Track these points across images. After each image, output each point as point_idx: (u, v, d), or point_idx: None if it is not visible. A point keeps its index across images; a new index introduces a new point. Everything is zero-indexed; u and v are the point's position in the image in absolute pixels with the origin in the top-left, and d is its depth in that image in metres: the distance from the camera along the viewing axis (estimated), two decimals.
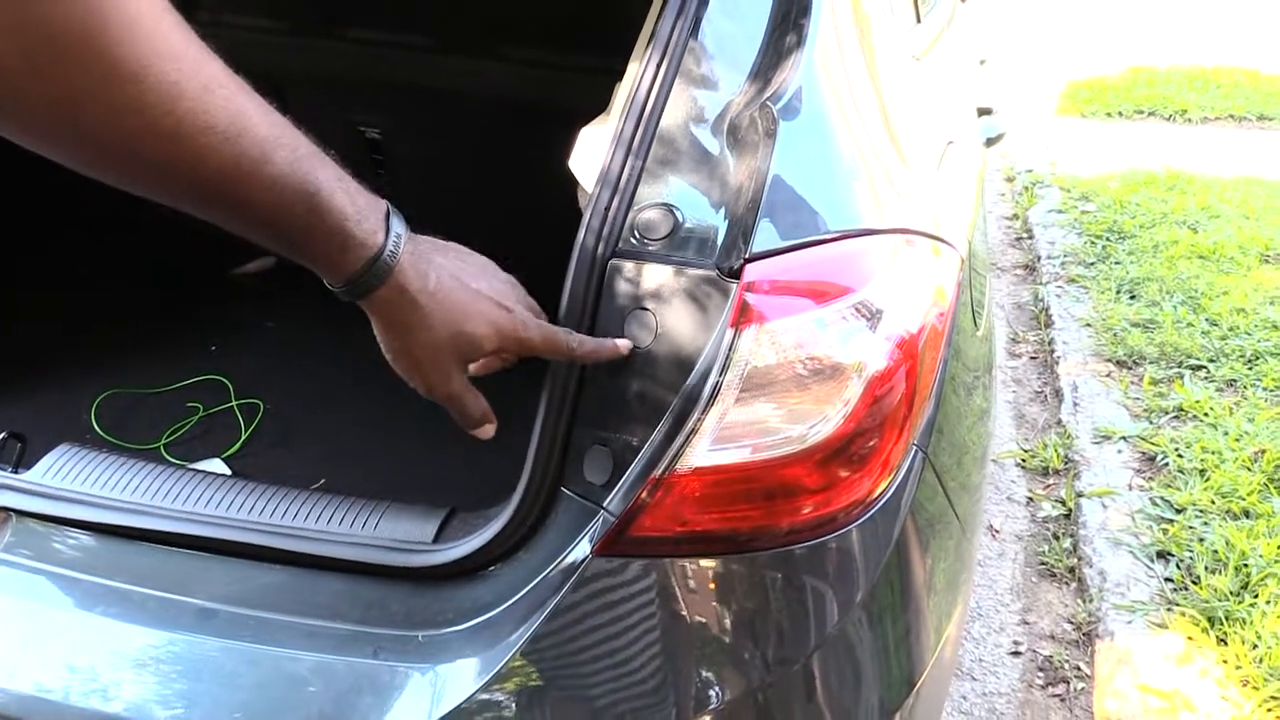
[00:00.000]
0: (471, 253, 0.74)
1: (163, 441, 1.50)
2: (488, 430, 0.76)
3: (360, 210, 0.62)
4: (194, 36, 0.53)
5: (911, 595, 0.89)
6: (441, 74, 1.77)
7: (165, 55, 0.51)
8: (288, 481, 1.00)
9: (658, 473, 0.76)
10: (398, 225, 0.65)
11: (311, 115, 2.03)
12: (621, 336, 0.78)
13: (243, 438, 1.52)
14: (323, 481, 1.35)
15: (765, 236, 0.77)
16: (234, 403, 1.61)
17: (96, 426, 1.51)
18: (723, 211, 0.80)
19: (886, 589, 0.85)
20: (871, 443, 0.79)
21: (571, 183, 0.96)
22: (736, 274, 0.76)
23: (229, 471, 1.43)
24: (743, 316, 0.75)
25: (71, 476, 0.98)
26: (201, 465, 1.42)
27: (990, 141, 1.97)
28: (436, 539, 0.88)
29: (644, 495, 0.76)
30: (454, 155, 1.82)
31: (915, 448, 0.85)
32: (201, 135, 0.53)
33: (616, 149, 0.82)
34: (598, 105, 1.03)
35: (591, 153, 0.91)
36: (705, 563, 0.80)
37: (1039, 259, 3.51)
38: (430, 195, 1.92)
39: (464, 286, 0.68)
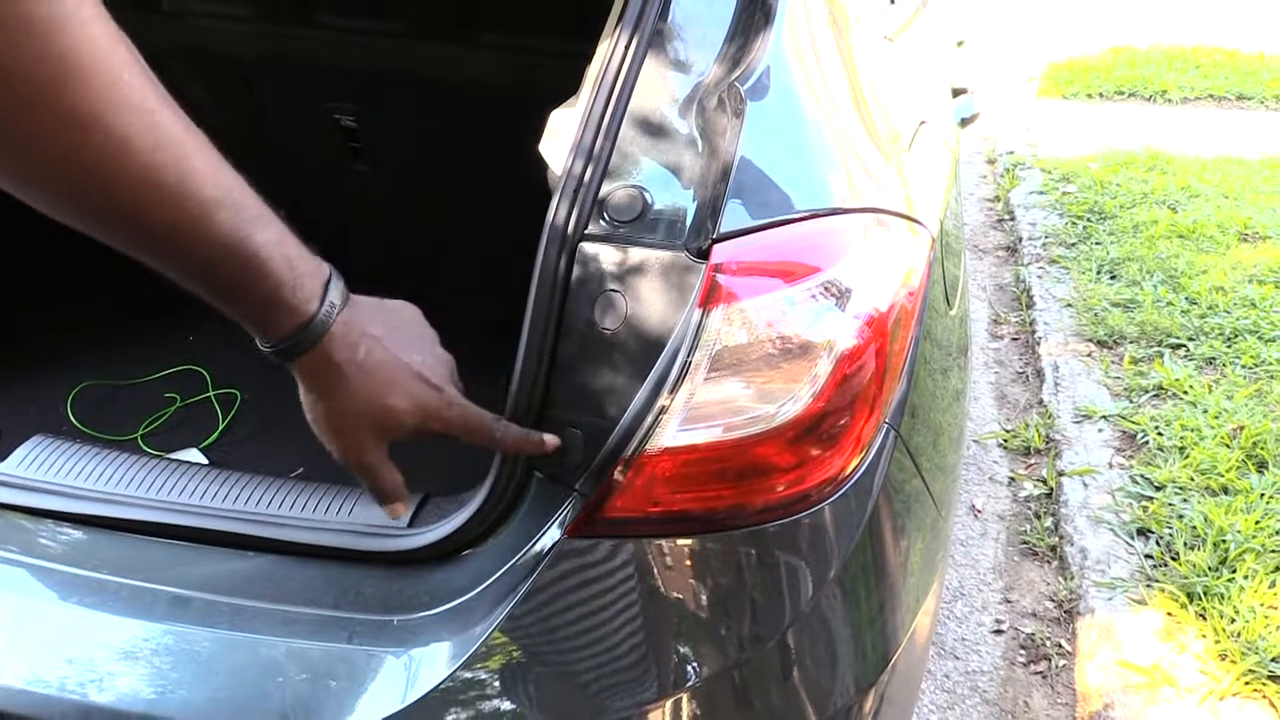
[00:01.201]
0: (416, 320, 0.72)
1: (140, 432, 1.50)
2: (398, 509, 0.74)
3: (298, 277, 0.61)
4: (154, 88, 0.53)
5: (886, 572, 0.90)
6: (417, 59, 1.76)
7: (118, 108, 0.51)
8: (264, 470, 1.00)
9: (628, 453, 0.76)
10: (334, 294, 0.64)
11: (286, 102, 2.03)
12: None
13: (220, 428, 1.52)
14: (300, 470, 1.36)
15: (734, 217, 0.77)
16: (211, 393, 1.60)
17: (73, 418, 1.51)
18: (691, 192, 0.80)
19: (860, 566, 0.86)
20: (842, 421, 0.79)
21: (543, 167, 0.96)
22: (705, 254, 0.76)
23: (206, 461, 1.43)
24: (711, 297, 0.75)
25: (46, 467, 0.98)
26: (179, 455, 1.42)
27: (965, 122, 1.98)
28: (411, 524, 0.88)
29: (615, 476, 0.77)
30: (430, 141, 1.82)
31: (887, 426, 0.85)
32: (146, 191, 0.53)
33: (585, 130, 0.82)
34: (573, 89, 1.03)
35: (561, 135, 0.91)
36: (679, 542, 0.80)
37: (1020, 240, 3.52)
38: (407, 180, 1.91)
39: (394, 360, 0.68)
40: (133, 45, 0.52)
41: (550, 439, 0.78)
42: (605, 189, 0.80)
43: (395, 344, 0.68)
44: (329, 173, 1.92)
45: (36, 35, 0.47)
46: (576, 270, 0.79)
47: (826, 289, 0.78)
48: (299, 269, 0.62)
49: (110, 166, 0.51)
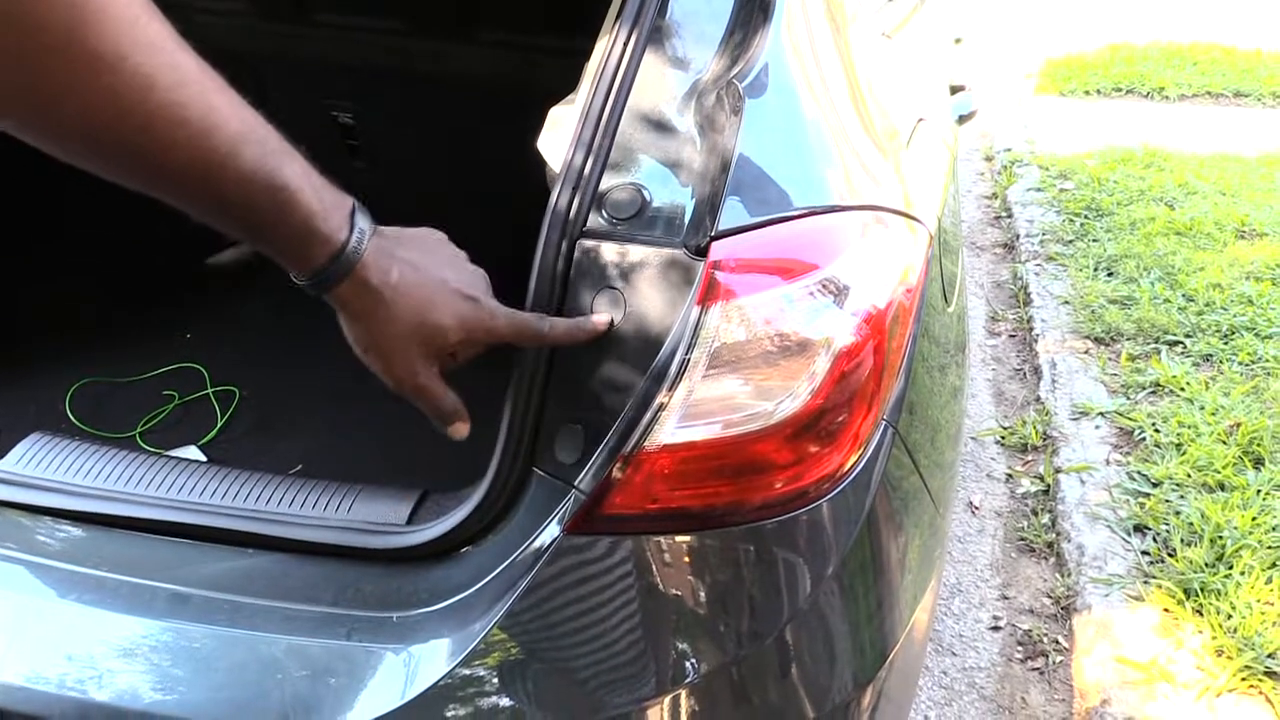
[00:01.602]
0: (441, 242, 0.74)
1: (138, 430, 1.50)
2: (461, 429, 0.76)
3: (326, 206, 0.63)
4: (170, 30, 0.55)
5: (884, 569, 0.90)
6: (415, 57, 1.76)
7: (142, 47, 0.52)
8: (263, 467, 1.00)
9: (627, 450, 0.76)
10: (362, 221, 0.66)
11: (284, 99, 2.03)
12: (591, 315, 0.78)
13: (219, 425, 1.52)
14: (299, 467, 1.36)
15: (732, 214, 0.77)
16: (210, 390, 1.60)
17: (71, 415, 1.51)
18: (690, 189, 0.80)
19: (858, 562, 0.86)
20: (840, 418, 0.80)
21: (541, 163, 0.96)
22: (703, 252, 0.76)
23: (205, 458, 1.43)
24: (709, 294, 0.75)
25: (45, 465, 0.98)
26: (178, 453, 1.42)
27: (963, 119, 1.98)
28: (410, 521, 0.88)
29: (614, 473, 0.77)
30: (428, 138, 1.82)
31: (885, 423, 0.85)
32: (173, 128, 0.54)
33: (584, 127, 0.82)
34: (572, 86, 1.03)
35: (560, 132, 0.91)
36: (677, 539, 0.80)
37: (1018, 237, 3.53)
38: (405, 178, 1.91)
39: (428, 278, 0.69)
40: None
41: (600, 318, 0.77)
42: (603, 186, 0.80)
43: (427, 264, 0.70)
44: (325, 169, 1.92)
45: None
46: (575, 268, 0.79)
47: (825, 286, 0.78)
48: (326, 200, 0.63)
49: (138, 103, 0.53)
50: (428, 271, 0.69)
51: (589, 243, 0.79)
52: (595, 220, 0.80)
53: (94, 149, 0.55)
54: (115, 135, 0.54)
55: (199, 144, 0.56)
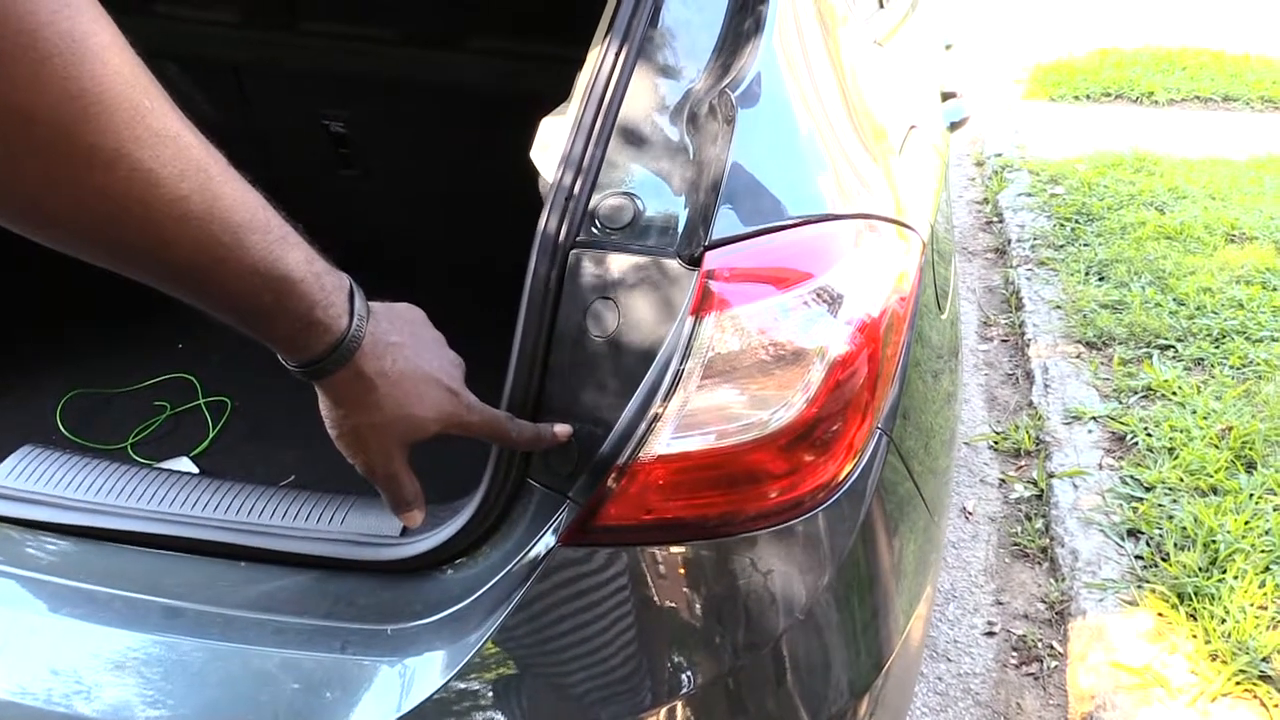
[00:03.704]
0: (424, 323, 0.72)
1: (129, 441, 1.49)
2: (416, 517, 0.74)
3: (328, 293, 0.61)
4: (176, 113, 0.51)
5: (879, 577, 0.90)
6: (407, 65, 1.76)
7: (145, 142, 0.49)
8: (256, 478, 1.00)
9: (621, 461, 0.76)
10: (359, 304, 0.64)
11: (275, 108, 2.03)
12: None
13: (210, 436, 1.52)
14: (292, 478, 1.35)
15: (726, 223, 0.77)
16: (201, 401, 1.60)
17: (62, 427, 1.50)
18: (683, 199, 0.80)
19: (853, 571, 0.86)
20: (835, 427, 0.80)
21: (533, 173, 0.96)
22: (697, 261, 0.76)
23: (197, 470, 1.42)
24: (703, 304, 0.75)
25: (36, 478, 0.98)
26: (169, 464, 1.42)
27: (954, 125, 1.98)
28: (404, 532, 0.88)
29: (608, 484, 0.77)
30: (420, 146, 1.82)
31: (880, 431, 0.86)
32: (173, 224, 0.51)
33: (576, 138, 0.82)
34: (564, 94, 1.03)
35: (552, 142, 0.91)
36: (673, 549, 0.80)
37: (1009, 242, 3.54)
38: (397, 186, 1.91)
39: (417, 370, 0.68)
40: (146, 68, 0.50)
41: (562, 429, 0.78)
42: (596, 197, 0.80)
43: (415, 351, 0.68)
44: (317, 178, 1.92)
45: (55, 71, 0.45)
46: (568, 278, 0.79)
47: (819, 295, 0.78)
48: (327, 285, 0.61)
49: (136, 201, 0.49)
50: (416, 361, 0.68)
51: (582, 252, 0.79)
52: (588, 230, 0.80)
53: (83, 244, 0.51)
54: (109, 233, 0.50)
55: (201, 239, 0.52)
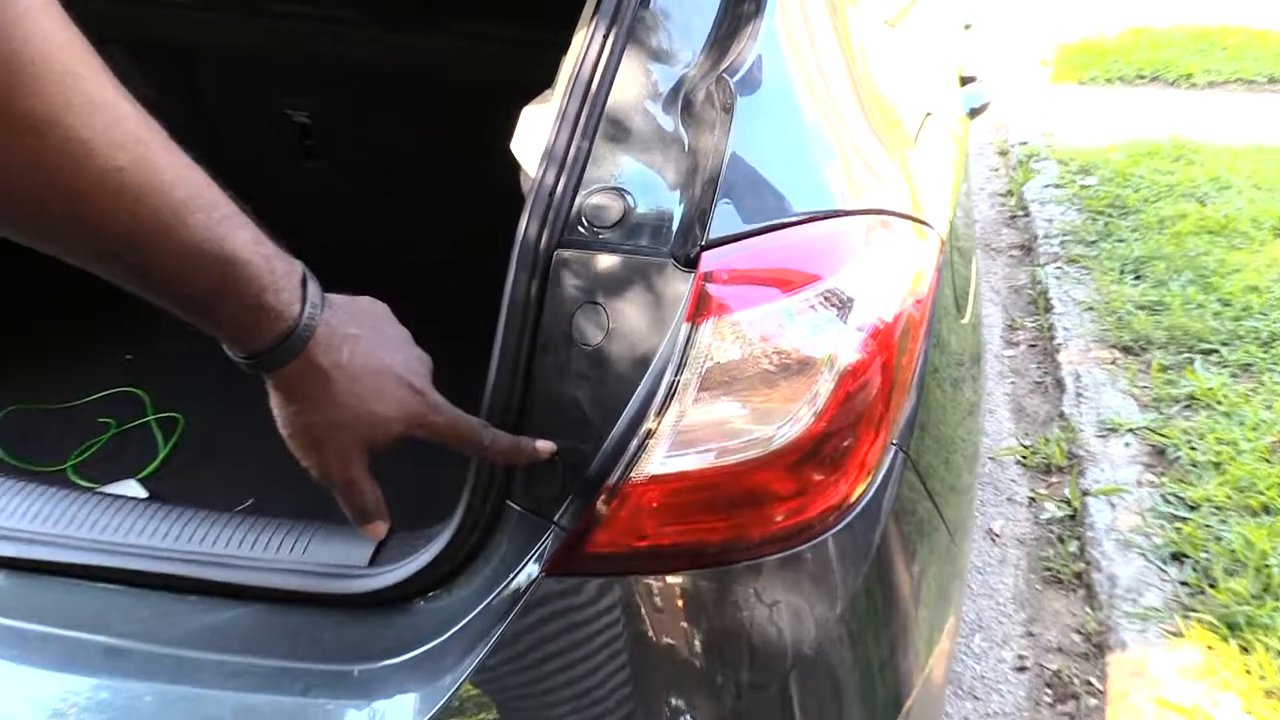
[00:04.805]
0: (387, 318, 0.73)
1: (71, 462, 1.49)
2: (379, 529, 0.74)
3: (277, 278, 0.61)
4: (110, 81, 0.52)
5: (896, 607, 0.90)
6: (375, 50, 1.76)
7: (77, 109, 0.50)
8: (210, 504, 1.00)
9: (611, 482, 0.76)
10: (313, 292, 0.64)
11: (232, 98, 2.03)
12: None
13: (160, 456, 1.51)
14: (250, 502, 1.35)
15: (724, 221, 0.77)
16: (151, 418, 1.59)
17: None
18: (677, 195, 0.80)
19: (868, 601, 0.86)
20: (846, 442, 0.80)
21: (513, 166, 0.96)
22: (693, 262, 0.76)
23: (145, 494, 1.41)
24: (700, 309, 0.75)
25: None
26: (114, 488, 1.41)
27: (974, 112, 1.99)
28: (372, 562, 0.87)
29: (597, 507, 0.77)
30: (391, 137, 1.82)
31: (895, 447, 0.86)
32: (108, 196, 0.52)
33: (561, 128, 0.82)
34: (547, 81, 1.03)
35: (534, 133, 0.91)
36: (669, 579, 0.80)
37: (1036, 238, 3.55)
38: (365, 179, 1.91)
39: (377, 362, 0.68)
40: (82, 34, 0.51)
41: (544, 445, 0.78)
42: (582, 193, 0.80)
43: (375, 344, 0.69)
44: (279, 171, 1.92)
45: None
46: (552, 281, 0.79)
47: (827, 299, 0.78)
48: (277, 269, 0.61)
49: (69, 172, 0.50)
50: (377, 354, 0.68)
51: (567, 253, 0.79)
52: (574, 228, 0.80)
53: (13, 219, 0.52)
54: (41, 206, 0.51)
55: (139, 215, 0.53)
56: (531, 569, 0.80)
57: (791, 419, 0.77)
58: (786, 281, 0.78)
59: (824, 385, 0.77)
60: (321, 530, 0.93)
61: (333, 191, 1.93)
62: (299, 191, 1.93)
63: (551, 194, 0.80)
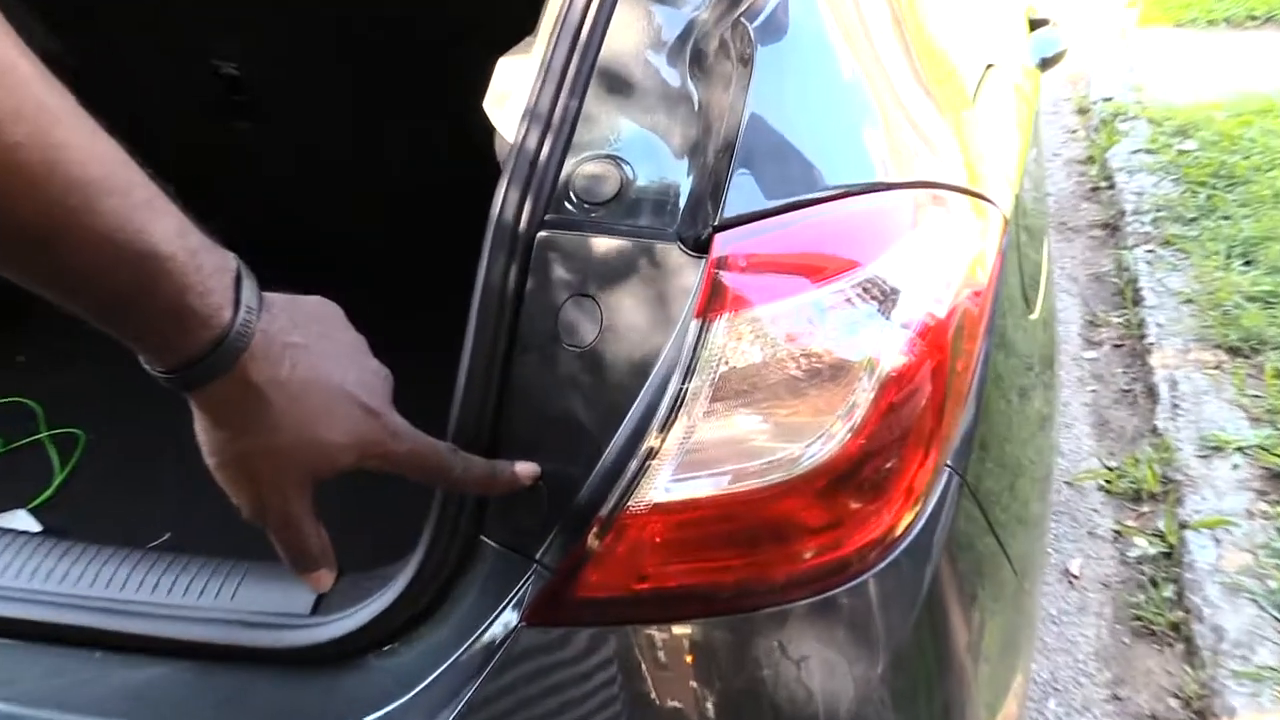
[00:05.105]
0: (339, 323, 0.73)
1: None
2: (324, 579, 0.74)
3: (205, 277, 0.61)
4: (10, 39, 0.52)
5: (952, 665, 0.91)
6: None
7: None
8: (118, 538, 1.00)
9: (605, 511, 0.77)
10: (249, 293, 0.63)
11: (151, 51, 2.03)
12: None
13: (56, 481, 1.52)
14: (166, 537, 1.35)
15: (742, 196, 0.78)
16: (45, 434, 1.60)
17: None
18: (685, 164, 0.81)
19: (917, 657, 0.87)
20: (889, 464, 0.80)
21: (487, 129, 0.97)
22: (704, 246, 0.77)
23: (38, 527, 1.42)
24: (713, 302, 0.76)
25: None
26: (2, 520, 1.42)
27: (1047, 62, 2.00)
28: (316, 609, 0.88)
29: (589, 542, 0.77)
30: (339, 95, 1.82)
31: (949, 469, 0.86)
32: (3, 176, 0.52)
33: (545, 85, 0.83)
34: (520, 28, 1.03)
35: (512, 90, 0.92)
36: (675, 630, 0.81)
37: (1123, 215, 3.56)
38: (303, 142, 1.91)
39: (325, 379, 0.68)
40: None
41: (525, 468, 0.78)
42: (570, 163, 0.81)
43: (323, 356, 0.68)
44: (203, 134, 1.92)
45: None
46: (534, 270, 0.80)
47: (866, 290, 0.79)
48: (205, 265, 0.61)
49: None
50: (325, 368, 0.68)
51: (552, 235, 0.80)
52: (561, 205, 0.81)
53: None
54: None
55: (39, 200, 0.53)
56: (509, 617, 0.80)
57: (823, 435, 0.78)
58: (817, 269, 0.79)
59: (862, 394, 0.78)
60: (254, 571, 0.93)
61: (270, 160, 1.93)
62: (227, 159, 1.93)
63: (533, 163, 0.81)
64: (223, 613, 0.89)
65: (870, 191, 0.83)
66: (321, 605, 0.89)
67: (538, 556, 0.80)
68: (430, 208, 1.60)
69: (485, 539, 0.83)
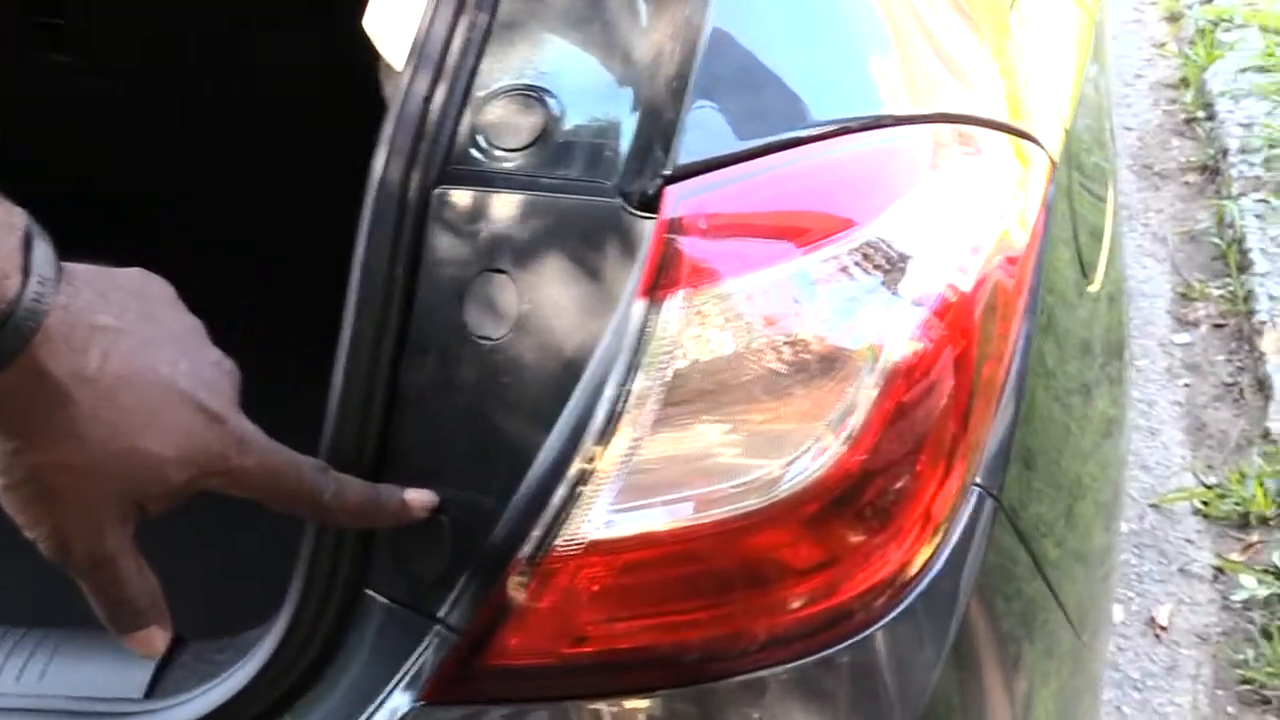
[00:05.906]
0: (166, 300, 0.73)
1: None
2: (154, 639, 0.74)
3: None
4: None
5: None
6: None
7: None
8: None
9: (526, 552, 0.76)
10: (42, 263, 0.63)
11: None
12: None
13: None
14: None
15: (702, 137, 0.78)
16: None
17: None
18: (629, 96, 0.81)
19: None
20: (899, 484, 0.80)
21: (371, 58, 0.97)
22: (653, 203, 0.77)
23: None
24: (665, 276, 0.76)
25: None
26: None
27: None
28: (151, 691, 0.88)
29: (507, 593, 0.77)
30: (182, 18, 1.82)
31: (978, 489, 0.86)
32: None
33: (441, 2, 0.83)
34: None
35: (402, 7, 0.92)
36: (627, 704, 0.81)
37: (1225, 154, 3.57)
38: (144, 87, 1.91)
39: (148, 373, 0.68)
40: None
41: (417, 497, 0.78)
42: (478, 96, 0.81)
43: (145, 343, 0.68)
44: (7, 69, 1.91)
45: None
46: (430, 238, 0.80)
47: (867, 257, 0.79)
48: None
49: None
50: (148, 360, 0.68)
51: (453, 192, 0.80)
52: (464, 153, 0.81)
53: None
54: None
55: None
56: (401, 697, 0.80)
57: (812, 448, 0.78)
58: (802, 230, 0.79)
59: (863, 394, 0.78)
60: (71, 642, 0.93)
61: (91, 99, 1.92)
62: (37, 98, 1.92)
63: (427, 100, 0.81)
64: (27, 699, 0.88)
65: (874, 128, 0.84)
66: (159, 685, 0.88)
67: (440, 615, 0.79)
68: (295, 162, 1.59)
69: (371, 592, 0.82)
